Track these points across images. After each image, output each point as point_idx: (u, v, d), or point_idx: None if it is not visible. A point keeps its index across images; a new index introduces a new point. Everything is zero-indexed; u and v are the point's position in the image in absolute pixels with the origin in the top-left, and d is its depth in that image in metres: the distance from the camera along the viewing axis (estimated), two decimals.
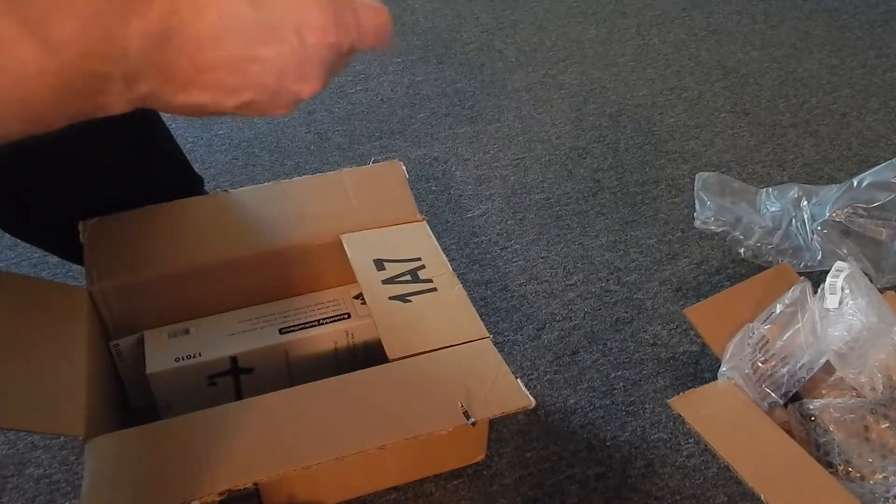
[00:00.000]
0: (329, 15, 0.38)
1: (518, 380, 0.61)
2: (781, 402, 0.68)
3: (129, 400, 0.72)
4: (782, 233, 0.92)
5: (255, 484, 0.58)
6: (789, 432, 0.66)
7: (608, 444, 0.74)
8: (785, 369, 0.67)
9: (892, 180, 0.86)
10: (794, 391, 0.68)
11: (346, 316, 0.73)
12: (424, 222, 0.75)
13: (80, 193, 0.71)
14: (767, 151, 1.08)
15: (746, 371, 0.67)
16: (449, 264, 0.71)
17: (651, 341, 0.83)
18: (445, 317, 0.66)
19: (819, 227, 0.89)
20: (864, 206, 0.87)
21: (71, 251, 0.72)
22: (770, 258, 0.90)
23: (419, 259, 0.71)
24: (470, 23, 1.34)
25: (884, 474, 0.64)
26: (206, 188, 0.83)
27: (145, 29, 0.34)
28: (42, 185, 0.68)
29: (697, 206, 0.95)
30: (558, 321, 0.85)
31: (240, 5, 0.36)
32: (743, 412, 0.66)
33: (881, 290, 0.70)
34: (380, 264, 0.70)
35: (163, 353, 0.68)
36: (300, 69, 0.39)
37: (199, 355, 0.68)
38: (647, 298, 0.88)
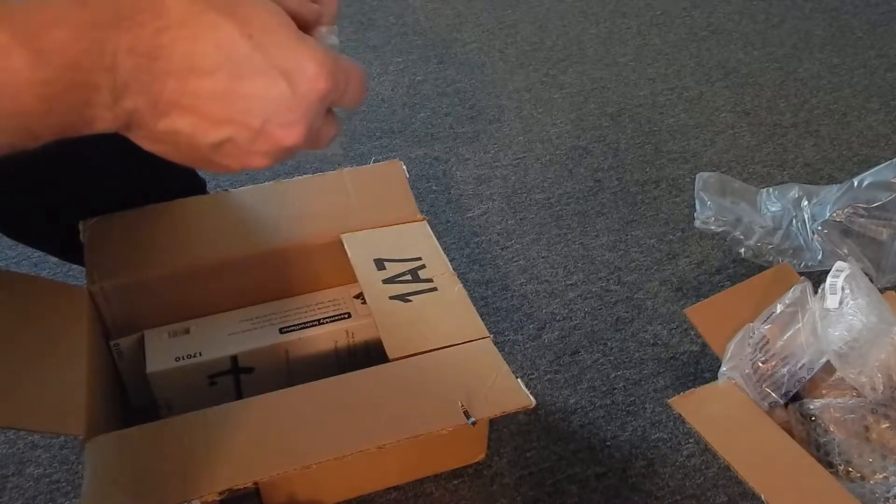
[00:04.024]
0: (325, 67, 0.38)
1: (518, 379, 0.61)
2: (782, 402, 0.68)
3: (129, 400, 0.72)
4: (783, 233, 0.92)
5: (255, 483, 0.58)
6: (789, 432, 0.66)
7: (608, 443, 0.74)
8: (785, 369, 0.67)
9: (893, 180, 0.86)
10: (795, 391, 0.68)
11: (346, 315, 0.73)
12: (425, 222, 0.75)
13: (83, 198, 0.71)
14: (768, 151, 1.08)
15: (747, 371, 0.67)
16: (449, 264, 0.71)
17: (651, 341, 0.83)
18: (446, 316, 0.66)
19: (819, 227, 0.89)
20: (865, 206, 0.87)
21: (71, 252, 0.72)
22: (770, 258, 0.90)
23: (419, 259, 0.71)
24: (470, 22, 1.34)
25: (884, 474, 0.64)
26: (207, 190, 0.82)
27: (134, 46, 0.34)
28: (43, 191, 0.68)
29: (698, 206, 0.95)
30: (558, 321, 0.85)
31: (237, 40, 0.36)
32: (743, 412, 0.66)
33: (882, 290, 0.70)
34: (380, 264, 0.70)
35: (163, 353, 0.68)
36: (286, 115, 0.38)
37: (200, 355, 0.68)
38: (647, 298, 0.88)
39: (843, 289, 0.66)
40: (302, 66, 0.38)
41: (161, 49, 0.35)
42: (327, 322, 0.72)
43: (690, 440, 0.74)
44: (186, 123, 0.37)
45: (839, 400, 0.67)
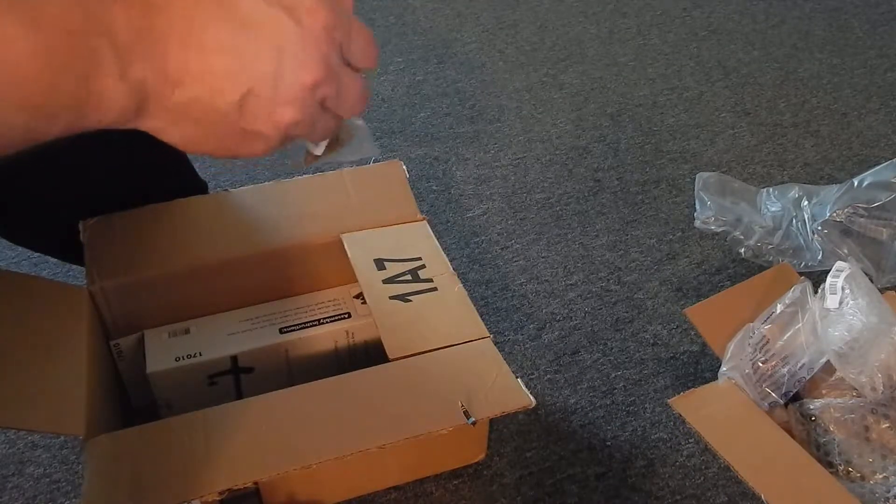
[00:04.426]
0: (322, 1, 0.38)
1: (518, 379, 0.61)
2: (782, 402, 0.68)
3: (129, 400, 0.72)
4: (783, 233, 0.92)
5: (255, 483, 0.58)
6: (789, 432, 0.66)
7: (608, 443, 0.74)
8: (785, 369, 0.67)
9: (893, 180, 0.86)
10: (795, 391, 0.68)
11: (346, 315, 0.73)
12: (425, 222, 0.75)
13: (83, 198, 0.71)
14: (768, 151, 1.08)
15: (747, 371, 0.67)
16: (449, 264, 0.71)
17: (651, 341, 0.83)
18: (446, 316, 0.66)
19: (819, 227, 0.89)
20: (865, 206, 0.87)
21: (71, 252, 0.72)
22: (770, 258, 0.90)
23: (419, 259, 0.71)
24: (470, 22, 1.34)
25: (884, 474, 0.64)
26: (208, 191, 0.82)
27: (128, 9, 0.34)
28: (43, 191, 0.68)
29: (698, 206, 0.95)
30: (558, 321, 0.85)
31: None
32: (743, 412, 0.66)
33: (882, 290, 0.70)
34: (380, 264, 0.70)
35: (163, 353, 0.68)
36: (298, 51, 0.38)
37: (200, 355, 0.68)
38: (647, 298, 0.88)
39: (843, 289, 0.66)
40: (300, 2, 0.38)
41: (156, 11, 0.35)
42: (327, 322, 0.72)
43: (690, 440, 0.74)
44: (201, 88, 0.37)
45: (839, 400, 0.67)
